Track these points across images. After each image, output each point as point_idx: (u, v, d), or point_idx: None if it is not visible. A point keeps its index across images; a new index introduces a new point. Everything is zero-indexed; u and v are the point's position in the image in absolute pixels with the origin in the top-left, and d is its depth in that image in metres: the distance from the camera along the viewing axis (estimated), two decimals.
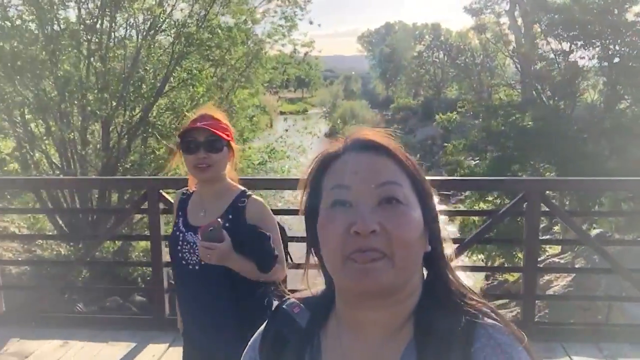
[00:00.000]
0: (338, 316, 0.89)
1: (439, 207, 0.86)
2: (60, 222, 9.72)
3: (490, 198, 13.31)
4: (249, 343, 0.98)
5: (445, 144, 19.89)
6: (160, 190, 3.98)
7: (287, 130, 12.33)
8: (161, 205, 3.95)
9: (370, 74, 72.60)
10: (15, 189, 8.93)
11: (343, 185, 0.80)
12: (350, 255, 0.76)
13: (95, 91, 9.16)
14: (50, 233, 9.69)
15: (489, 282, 11.68)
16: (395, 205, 0.79)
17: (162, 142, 10.32)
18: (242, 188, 2.09)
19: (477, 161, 16.41)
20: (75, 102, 9.28)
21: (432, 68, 47.65)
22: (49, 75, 9.18)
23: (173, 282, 2.49)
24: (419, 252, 0.81)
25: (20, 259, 9.15)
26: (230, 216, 1.99)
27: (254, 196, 2.06)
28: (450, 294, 0.83)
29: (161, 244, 3.97)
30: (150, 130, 10.62)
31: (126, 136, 10.16)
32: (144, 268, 8.70)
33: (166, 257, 3.88)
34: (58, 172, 9.65)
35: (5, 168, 10.05)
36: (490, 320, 0.81)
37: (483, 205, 12.94)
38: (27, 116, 9.57)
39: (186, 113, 10.58)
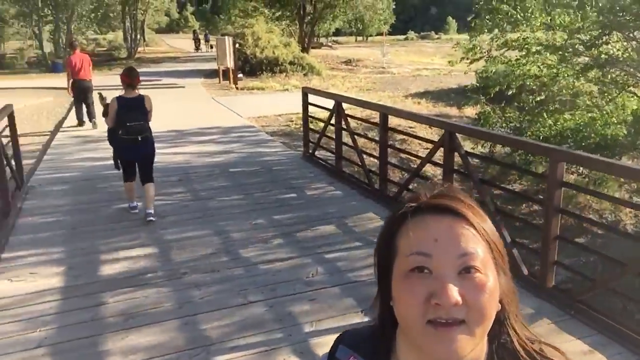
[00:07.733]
0: None
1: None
2: None
3: None
4: None
5: None
6: None
7: None
8: None
9: None
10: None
11: (423, 253, 0.79)
12: (429, 321, 0.76)
13: None
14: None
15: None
16: (473, 274, 0.78)
17: None
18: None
19: None
20: None
21: None
22: None
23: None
24: (493, 315, 0.80)
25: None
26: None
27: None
28: (521, 348, 0.83)
29: None
30: None
31: None
32: None
33: None
34: None
35: None
36: None
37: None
38: None
39: None
